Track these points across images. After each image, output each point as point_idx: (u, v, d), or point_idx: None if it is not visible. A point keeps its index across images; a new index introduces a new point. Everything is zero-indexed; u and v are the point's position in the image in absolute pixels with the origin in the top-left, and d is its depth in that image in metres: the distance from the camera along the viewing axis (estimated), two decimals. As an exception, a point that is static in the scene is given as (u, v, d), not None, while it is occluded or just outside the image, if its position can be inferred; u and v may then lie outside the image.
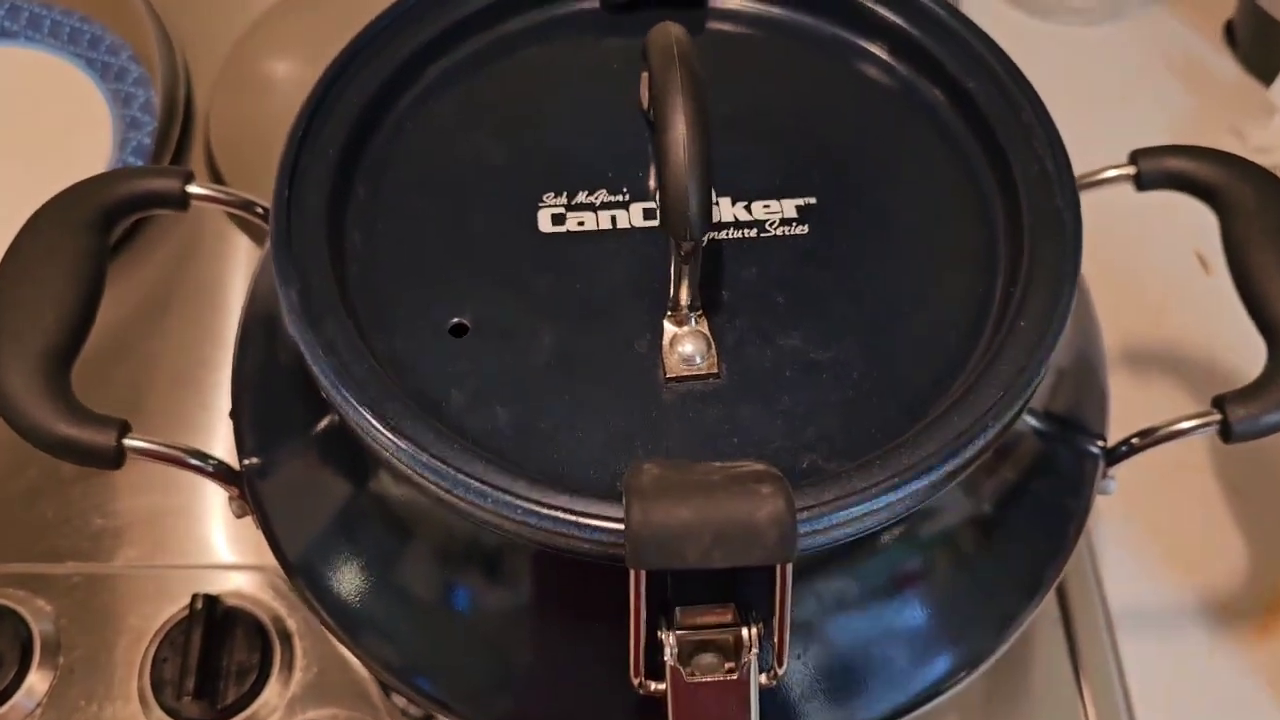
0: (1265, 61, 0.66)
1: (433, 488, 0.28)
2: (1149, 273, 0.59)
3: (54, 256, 0.37)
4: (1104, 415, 0.38)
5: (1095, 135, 0.64)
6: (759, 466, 0.27)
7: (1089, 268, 0.52)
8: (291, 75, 0.63)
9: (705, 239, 0.30)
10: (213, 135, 0.61)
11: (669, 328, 0.31)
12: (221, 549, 0.50)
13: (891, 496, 0.27)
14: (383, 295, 0.32)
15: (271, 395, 0.37)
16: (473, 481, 0.27)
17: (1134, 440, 0.36)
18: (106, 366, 0.53)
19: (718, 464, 0.28)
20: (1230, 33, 0.68)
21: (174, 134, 0.60)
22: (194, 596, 0.47)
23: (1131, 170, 0.40)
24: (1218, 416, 0.35)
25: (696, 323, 0.31)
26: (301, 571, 0.35)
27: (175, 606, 0.48)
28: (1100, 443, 0.37)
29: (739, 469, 0.27)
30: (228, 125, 0.61)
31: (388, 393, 0.29)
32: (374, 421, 0.28)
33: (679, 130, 0.28)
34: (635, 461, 0.28)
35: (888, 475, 0.27)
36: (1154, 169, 0.39)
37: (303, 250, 0.31)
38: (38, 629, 0.47)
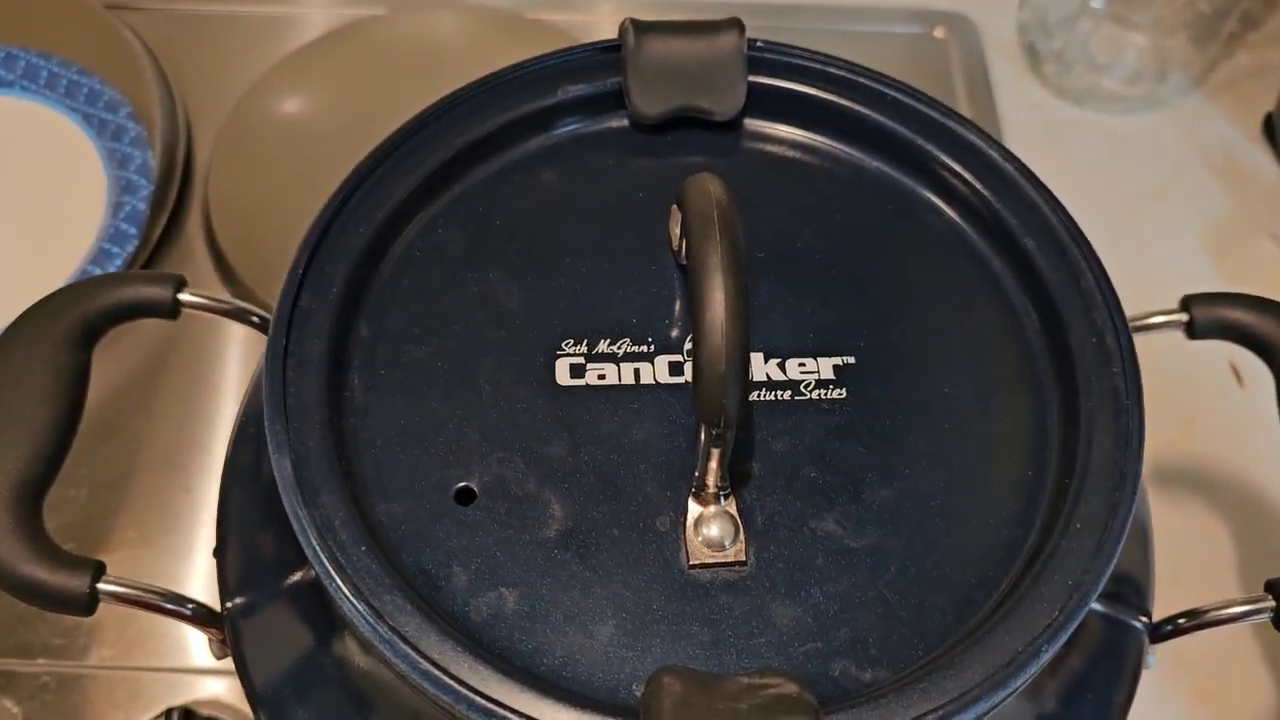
0: (1306, 162, 0.64)
1: (430, 693, 0.26)
2: (1181, 384, 0.57)
3: (31, 379, 0.34)
4: (1149, 588, 0.35)
5: (1125, 235, 0.62)
6: (792, 689, 0.25)
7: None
8: (297, 136, 0.61)
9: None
10: (212, 199, 0.58)
11: (694, 507, 0.29)
12: (197, 652, 0.48)
13: (934, 732, 0.25)
14: (383, 453, 0.30)
15: (259, 534, 0.34)
16: (477, 698, 0.25)
17: (1180, 620, 0.34)
18: (82, 456, 0.50)
19: (745, 679, 0.25)
20: (1269, 127, 0.66)
21: (171, 194, 0.58)
22: (168, 711, 0.44)
23: (1184, 317, 0.37)
24: (1271, 603, 0.33)
25: (724, 502, 0.29)
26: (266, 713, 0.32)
27: (149, 713, 0.46)
28: (1145, 618, 0.34)
29: (768, 691, 0.25)
30: (228, 189, 0.59)
31: (383, 583, 0.26)
32: (370, 619, 0.26)
33: (716, 310, 0.26)
34: (656, 675, 0.25)
35: (932, 707, 0.25)
36: (1208, 318, 0.37)
37: (299, 410, 0.29)
38: (3, 730, 0.45)
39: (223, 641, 0.35)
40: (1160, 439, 0.56)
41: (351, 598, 0.26)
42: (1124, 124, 0.67)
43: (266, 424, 0.28)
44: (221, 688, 0.47)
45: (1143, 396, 0.30)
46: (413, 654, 0.25)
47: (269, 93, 0.63)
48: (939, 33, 0.70)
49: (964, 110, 0.67)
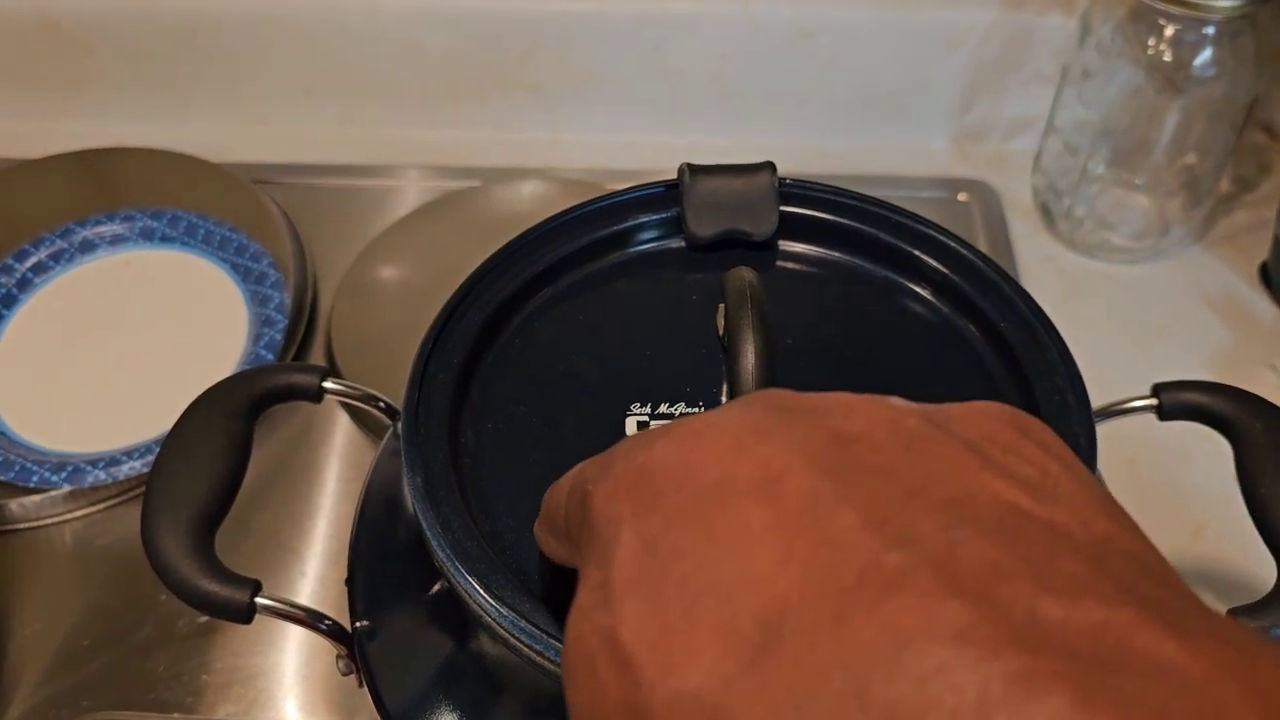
0: (1298, 302, 0.71)
1: (525, 649, 0.33)
2: (1187, 490, 0.62)
3: (208, 437, 0.43)
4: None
5: (1136, 366, 0.69)
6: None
7: (1128, 486, 0.56)
8: (403, 286, 0.72)
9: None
10: (333, 333, 0.68)
11: (734, 524, 0.36)
12: (316, 712, 0.55)
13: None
14: (490, 484, 0.38)
15: (384, 567, 0.42)
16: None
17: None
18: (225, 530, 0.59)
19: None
20: (1265, 274, 0.74)
21: (299, 331, 0.68)
22: (286, 755, 0.51)
23: (1154, 401, 0.45)
24: None
25: (758, 521, 0.36)
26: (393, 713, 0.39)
27: (266, 764, 0.53)
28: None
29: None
30: (346, 325, 0.69)
31: (492, 566, 0.34)
32: (480, 590, 0.33)
33: (748, 360, 0.34)
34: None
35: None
36: (1174, 401, 0.44)
37: (428, 444, 0.37)
38: (140, 777, 0.52)
39: (349, 657, 0.42)
40: (1170, 541, 0.61)
41: (468, 576, 0.34)
42: (1131, 273, 0.75)
43: (404, 453, 0.37)
44: (329, 741, 0.53)
45: (1095, 438, 0.37)
46: (515, 618, 0.33)
47: (381, 251, 0.74)
48: (963, 197, 0.79)
49: (987, 262, 0.76)
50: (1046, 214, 0.77)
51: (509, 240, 0.43)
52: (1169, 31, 0.66)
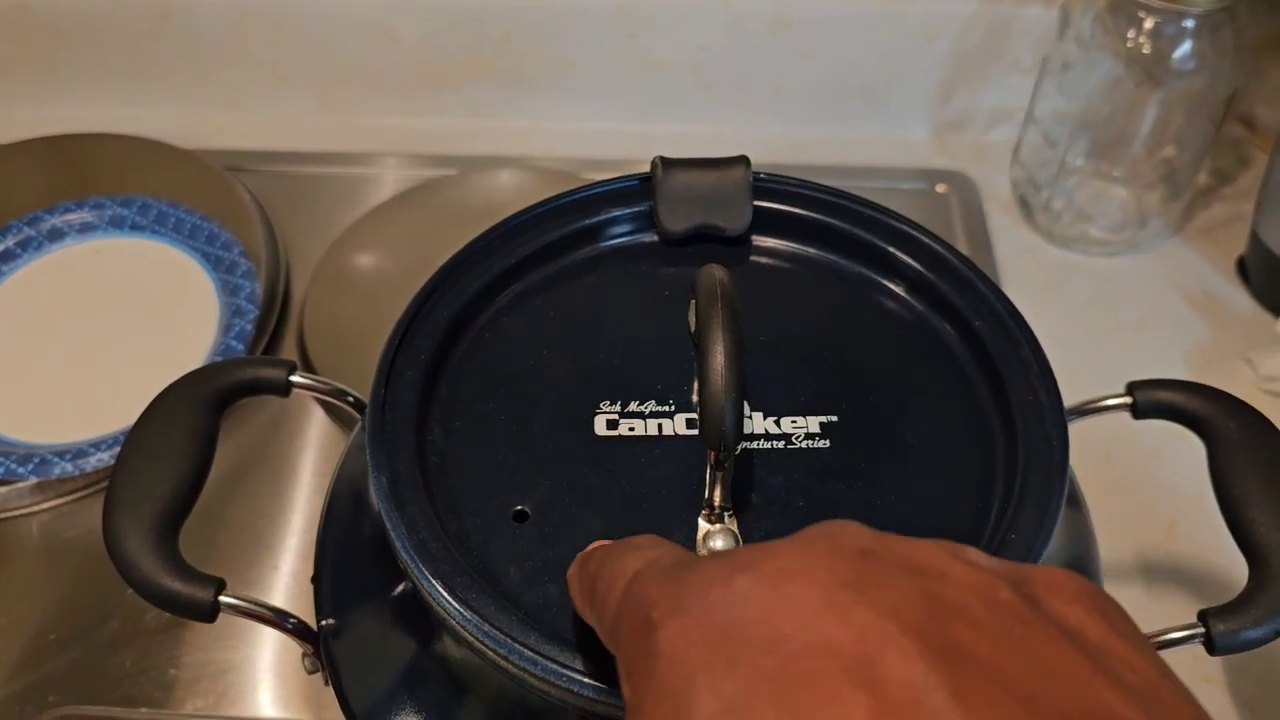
0: (1275, 295, 0.71)
1: (490, 653, 0.32)
2: (1161, 487, 0.62)
3: (172, 432, 0.42)
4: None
5: (1114, 360, 0.69)
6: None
7: (1102, 482, 0.55)
8: (377, 275, 0.71)
9: (738, 450, 0.34)
10: (306, 324, 0.68)
11: (703, 524, 0.36)
12: (287, 705, 0.54)
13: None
14: (457, 483, 0.37)
15: (350, 565, 0.41)
16: (525, 650, 0.31)
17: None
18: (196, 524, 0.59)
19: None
20: (1242, 268, 0.74)
21: (271, 321, 0.67)
22: (256, 751, 0.50)
23: (1128, 400, 0.44)
24: (1201, 630, 0.38)
25: (727, 521, 0.36)
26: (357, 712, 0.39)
27: (237, 758, 0.52)
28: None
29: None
30: (319, 315, 0.68)
31: (457, 568, 0.34)
32: (444, 592, 0.33)
33: (718, 359, 0.33)
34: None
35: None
36: (1148, 400, 0.44)
37: (394, 442, 0.37)
38: (107, 774, 0.51)
39: (315, 655, 0.42)
40: (1143, 539, 0.61)
41: (431, 579, 0.33)
42: (1109, 265, 0.75)
43: (369, 452, 0.36)
44: (298, 737, 0.53)
45: (1067, 437, 0.37)
46: (480, 621, 0.32)
47: (355, 239, 0.73)
48: (941, 188, 0.79)
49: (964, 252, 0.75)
50: (1025, 206, 0.77)
51: (478, 234, 0.43)
52: (1148, 24, 0.65)
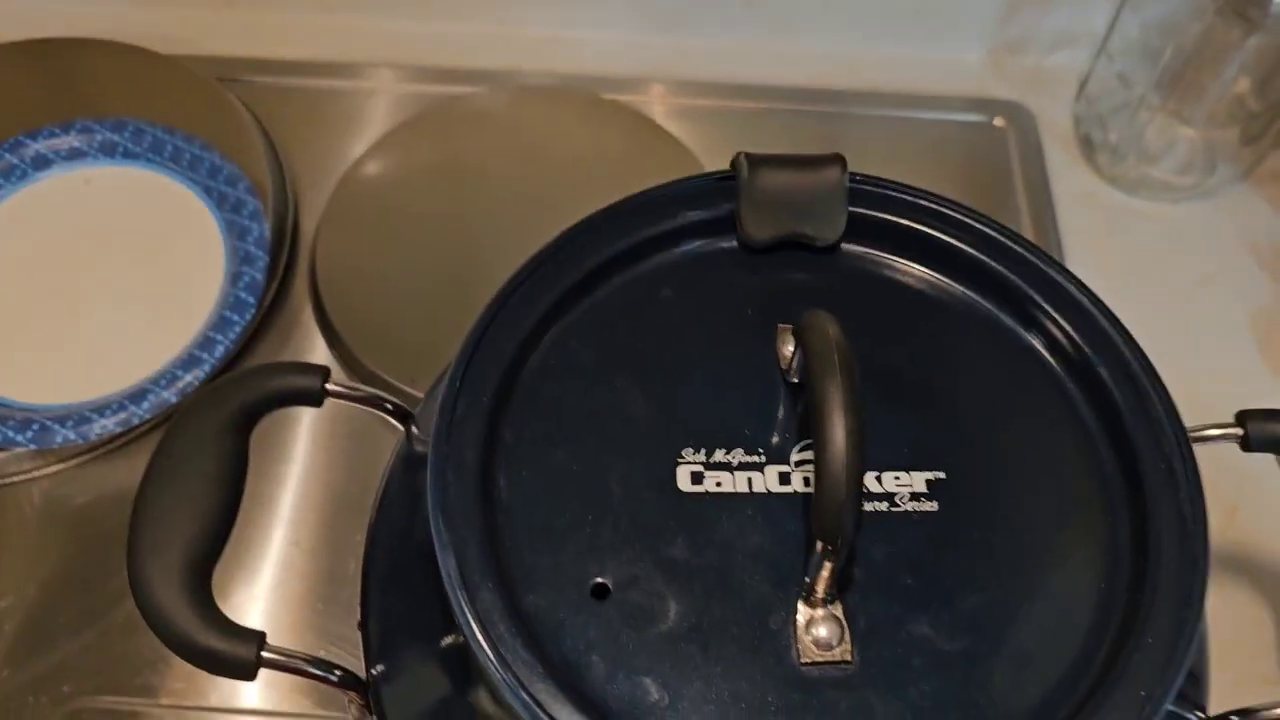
0: (1350, 258, 0.67)
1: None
2: (1224, 471, 0.59)
3: (198, 459, 0.38)
4: (1205, 681, 0.38)
5: (1178, 318, 0.65)
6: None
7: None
8: (394, 213, 0.65)
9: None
10: (319, 267, 0.63)
11: (803, 609, 0.33)
12: (307, 698, 0.52)
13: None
14: (528, 549, 0.34)
15: (400, 610, 0.38)
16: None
17: (1231, 718, 0.37)
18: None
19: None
20: (1314, 221, 0.69)
21: (280, 263, 0.62)
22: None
23: (1239, 431, 0.41)
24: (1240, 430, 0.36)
25: (831, 606, 0.32)
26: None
27: (264, 752, 0.50)
28: (1200, 713, 0.38)
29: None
30: (334, 257, 0.63)
31: (538, 673, 0.30)
32: (529, 705, 0.30)
33: (838, 441, 0.29)
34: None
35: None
36: (1262, 433, 0.41)
37: (458, 511, 0.33)
38: (129, 766, 0.49)
39: (364, 705, 0.39)
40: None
41: (511, 686, 0.30)
42: (1174, 213, 0.71)
43: (432, 524, 0.32)
44: (329, 730, 0.51)
45: (1207, 520, 0.34)
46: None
47: (367, 171, 0.67)
48: (998, 121, 0.73)
49: (1020, 194, 0.71)
50: (1087, 144, 0.72)
51: (539, 249, 0.38)
52: (1251, -39, 0.59)
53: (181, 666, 0.52)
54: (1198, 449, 0.39)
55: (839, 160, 0.39)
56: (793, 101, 0.73)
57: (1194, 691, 0.38)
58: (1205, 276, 0.68)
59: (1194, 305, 0.67)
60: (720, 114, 0.71)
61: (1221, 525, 0.59)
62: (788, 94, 0.73)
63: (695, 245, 0.40)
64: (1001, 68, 0.76)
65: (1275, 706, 0.37)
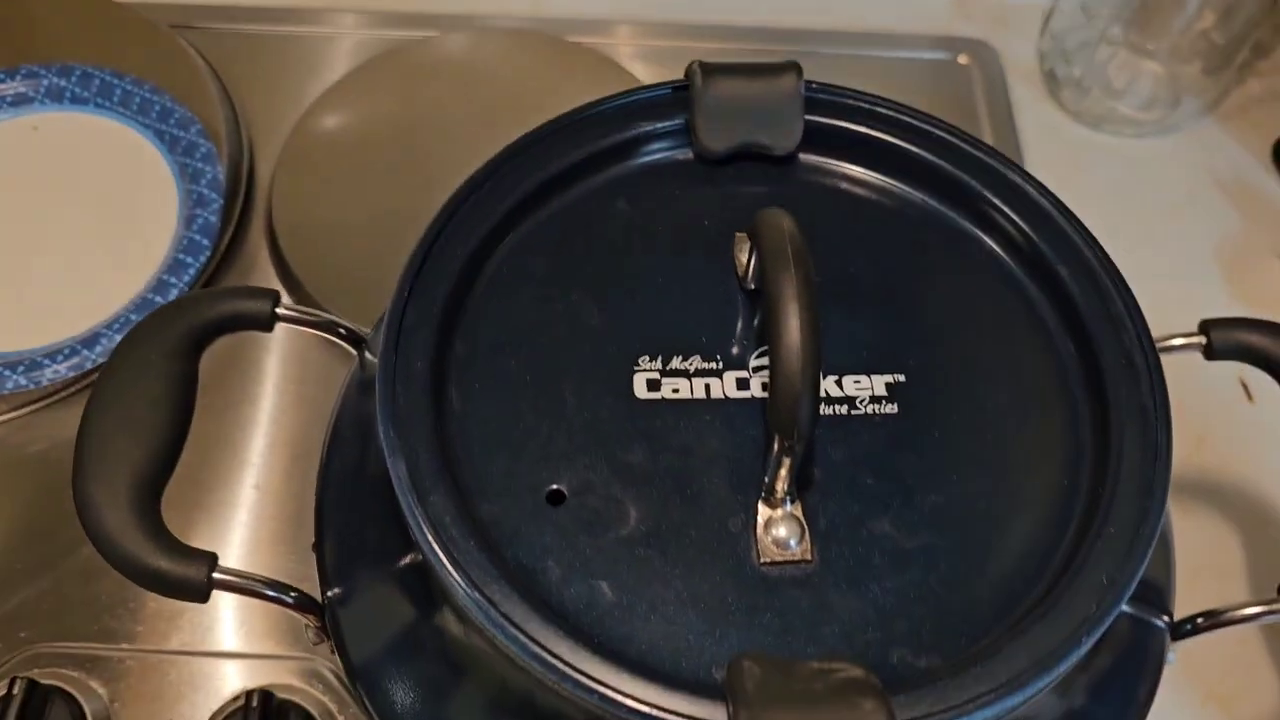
0: (1313, 187, 0.67)
1: (536, 671, 0.29)
2: (1191, 398, 0.59)
3: (145, 383, 0.37)
4: (1171, 588, 0.38)
5: (1145, 253, 0.65)
6: (859, 673, 0.28)
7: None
8: (352, 155, 0.64)
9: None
10: (276, 210, 0.61)
11: (763, 510, 0.32)
12: (269, 639, 0.51)
13: (987, 712, 0.28)
14: (482, 458, 0.33)
15: (355, 531, 0.37)
16: (580, 677, 0.28)
17: (1199, 620, 0.37)
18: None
19: (816, 665, 0.28)
20: (1278, 154, 0.69)
21: (237, 207, 0.61)
22: (248, 693, 0.47)
23: (1202, 340, 0.41)
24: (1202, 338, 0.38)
25: (790, 506, 0.32)
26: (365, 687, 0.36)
27: (225, 695, 0.49)
28: (1166, 617, 0.37)
29: (839, 675, 0.28)
30: (290, 200, 0.62)
31: (493, 575, 0.30)
32: (482, 607, 0.29)
33: (793, 335, 0.29)
34: (736, 660, 0.28)
35: (983, 690, 0.28)
36: (1225, 341, 0.40)
37: (409, 418, 0.32)
38: (90, 709, 0.48)
39: (320, 628, 0.38)
40: (1174, 452, 0.59)
41: (465, 588, 0.29)
42: (1139, 147, 0.70)
43: (380, 432, 0.32)
44: (294, 671, 0.50)
45: (1170, 412, 0.33)
46: (521, 637, 0.29)
47: (324, 114, 0.66)
48: (963, 59, 0.73)
49: (985, 131, 0.70)
50: (1052, 80, 0.71)
51: (491, 157, 0.37)
52: (1212, -116, 0.59)
53: (140, 610, 0.52)
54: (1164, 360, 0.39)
55: (794, 67, 0.39)
56: (758, 41, 0.72)
57: (1160, 599, 0.38)
58: (1171, 209, 0.68)
59: (1160, 237, 0.67)
60: (686, 55, 0.68)
61: (1188, 453, 0.59)
62: (754, 34, 0.72)
63: (651, 157, 0.39)
64: (966, 6, 0.76)
65: (1241, 607, 0.37)
